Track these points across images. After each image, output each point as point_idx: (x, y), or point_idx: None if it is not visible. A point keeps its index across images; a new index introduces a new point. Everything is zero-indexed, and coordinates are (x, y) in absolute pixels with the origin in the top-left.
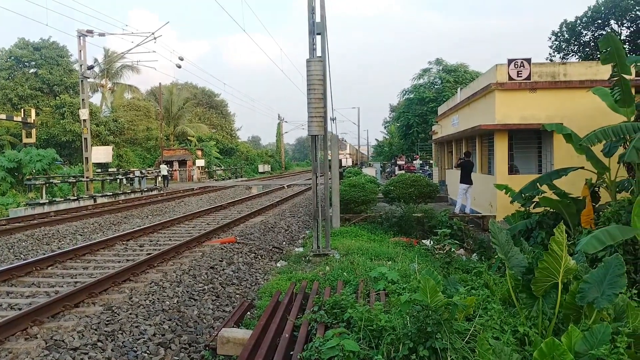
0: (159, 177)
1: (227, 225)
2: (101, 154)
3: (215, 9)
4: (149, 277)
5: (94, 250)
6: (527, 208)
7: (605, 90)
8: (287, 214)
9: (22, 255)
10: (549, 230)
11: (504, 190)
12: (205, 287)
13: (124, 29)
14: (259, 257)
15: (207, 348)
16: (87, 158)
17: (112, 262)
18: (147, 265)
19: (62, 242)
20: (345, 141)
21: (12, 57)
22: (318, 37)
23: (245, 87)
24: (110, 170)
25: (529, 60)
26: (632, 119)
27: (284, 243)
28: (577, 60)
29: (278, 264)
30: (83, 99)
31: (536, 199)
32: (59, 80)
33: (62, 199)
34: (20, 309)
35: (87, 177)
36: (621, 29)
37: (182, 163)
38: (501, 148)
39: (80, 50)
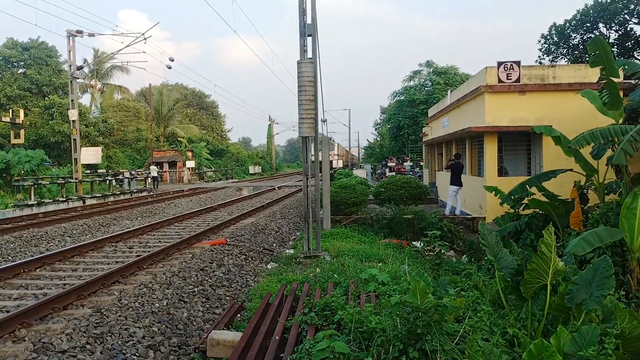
0: (149, 179)
1: (218, 227)
2: (90, 155)
3: (206, 10)
4: (139, 279)
5: (82, 252)
6: (517, 210)
7: (594, 93)
8: (277, 216)
9: (10, 257)
10: (538, 232)
11: (494, 192)
12: (195, 289)
13: (114, 30)
14: (250, 258)
15: (196, 350)
16: (76, 159)
17: (101, 264)
18: (137, 267)
19: (51, 244)
20: (333, 141)
21: (1, 57)
22: (309, 39)
23: (236, 88)
24: (99, 171)
25: (518, 63)
26: (620, 121)
27: (275, 245)
28: (566, 63)
29: (268, 266)
30: (72, 100)
31: (525, 201)
32: (48, 80)
33: (51, 200)
34: (8, 312)
35: (76, 179)
36: (609, 33)
37: (172, 164)
38: (491, 150)
39: (69, 51)
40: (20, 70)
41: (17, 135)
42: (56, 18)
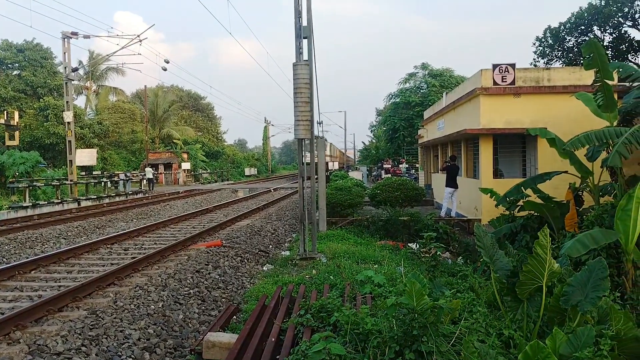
0: (144, 181)
1: (213, 229)
2: (85, 156)
3: (201, 11)
4: (134, 281)
5: (78, 254)
6: (512, 212)
7: (589, 96)
8: (273, 218)
9: (4, 259)
10: (533, 234)
11: (489, 194)
12: (191, 291)
13: (109, 31)
14: (245, 260)
15: (192, 352)
16: (71, 161)
17: (96, 266)
18: (132, 269)
19: (46, 246)
20: (325, 140)
21: None
22: (304, 41)
23: (231, 90)
24: (94, 173)
25: (513, 66)
26: (615, 123)
27: (271, 246)
28: (561, 65)
29: (264, 268)
30: (67, 102)
31: (521, 203)
32: (43, 82)
33: (46, 202)
34: (2, 314)
35: (71, 180)
36: (604, 35)
37: (168, 166)
38: (486, 152)
39: (64, 53)
40: (15, 72)
41: (11, 137)
42: (51, 20)
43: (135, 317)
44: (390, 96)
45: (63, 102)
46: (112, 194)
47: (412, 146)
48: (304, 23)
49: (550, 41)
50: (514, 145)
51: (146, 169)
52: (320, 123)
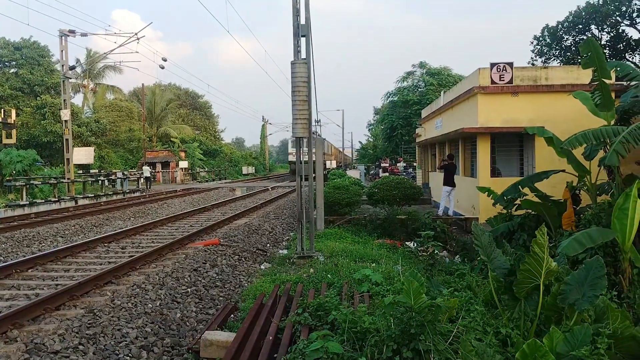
0: (142, 179)
1: (211, 228)
2: (83, 155)
3: (199, 10)
4: (131, 280)
5: (75, 252)
6: (509, 210)
7: (586, 94)
8: (271, 216)
9: (1, 258)
10: (530, 233)
11: (487, 192)
12: (189, 289)
13: (106, 29)
14: (243, 259)
15: (190, 351)
16: (68, 159)
17: (93, 265)
18: (130, 267)
19: (43, 244)
20: (324, 139)
21: None
22: (303, 40)
23: (229, 88)
24: (91, 171)
25: (511, 65)
26: (612, 122)
27: (268, 245)
28: (559, 64)
29: (262, 266)
30: (64, 100)
31: (518, 202)
32: (40, 80)
33: (43, 201)
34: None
35: (68, 179)
36: (601, 34)
37: (165, 164)
38: (484, 151)
39: (62, 50)
40: (12, 70)
41: (8, 135)
42: (48, 18)
43: (132, 315)
44: (388, 95)
45: (60, 100)
46: (110, 193)
47: (409, 145)
48: (302, 21)
49: (548, 40)
50: (512, 144)
51: (143, 167)
52: (318, 122)
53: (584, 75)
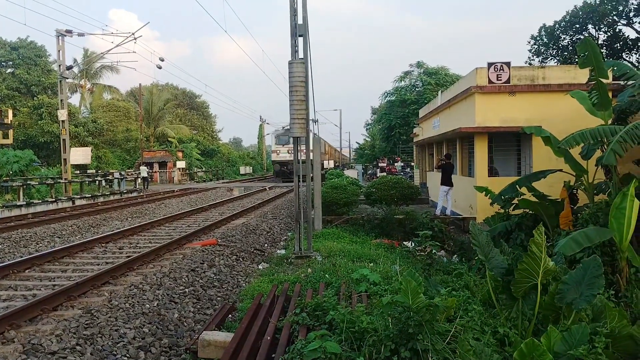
0: (139, 179)
1: (209, 228)
2: (80, 155)
3: (196, 9)
4: (129, 280)
5: (72, 252)
6: (507, 210)
7: (583, 94)
8: (269, 216)
9: None
10: (528, 232)
11: (484, 192)
12: (186, 289)
13: (103, 29)
14: (241, 259)
15: (187, 351)
16: (65, 159)
17: (91, 265)
18: (127, 268)
19: (40, 245)
20: (320, 138)
21: None
22: (300, 39)
23: (227, 88)
24: (89, 171)
25: (508, 64)
26: (610, 122)
27: (266, 245)
28: (556, 64)
29: (260, 266)
30: (62, 100)
31: (515, 201)
32: (37, 80)
33: (40, 201)
34: None
35: (65, 179)
36: (598, 34)
37: (163, 165)
38: (481, 150)
39: (58, 50)
40: (9, 70)
41: (5, 136)
42: (45, 17)
43: (130, 316)
44: (386, 94)
45: (57, 100)
46: (107, 193)
47: (407, 144)
48: (300, 21)
49: (545, 39)
50: (509, 143)
51: (141, 167)
52: (315, 121)
53: (581, 75)
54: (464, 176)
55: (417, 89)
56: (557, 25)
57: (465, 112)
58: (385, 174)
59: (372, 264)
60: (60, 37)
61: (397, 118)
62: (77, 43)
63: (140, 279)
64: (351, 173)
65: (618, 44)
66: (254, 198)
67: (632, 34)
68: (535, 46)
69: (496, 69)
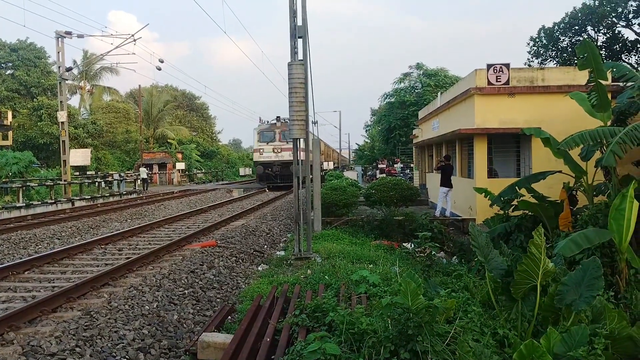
0: (139, 181)
1: (208, 229)
2: (79, 156)
3: (196, 11)
4: (128, 282)
5: (71, 254)
6: (506, 211)
7: (583, 95)
8: (268, 217)
9: None
10: (527, 233)
11: (484, 193)
12: (186, 291)
13: (103, 31)
14: (240, 260)
15: (187, 353)
16: (65, 161)
17: (90, 267)
18: (127, 269)
19: (40, 246)
20: (320, 140)
21: None
22: (299, 41)
23: (226, 89)
24: (88, 173)
25: (507, 66)
26: (609, 123)
27: (266, 246)
28: (555, 65)
29: (259, 268)
30: (61, 101)
31: (515, 203)
32: (37, 82)
33: (40, 202)
34: None
35: (65, 180)
36: (597, 35)
37: (162, 166)
38: (480, 152)
39: (58, 52)
40: (9, 72)
41: (5, 137)
42: (45, 19)
43: (129, 317)
44: (385, 96)
45: (57, 102)
46: (106, 194)
47: (407, 146)
48: (299, 22)
49: (545, 41)
50: (508, 145)
51: (140, 169)
52: (315, 123)
53: (581, 76)
54: (464, 177)
55: (416, 91)
56: (556, 26)
57: (465, 114)
58: (384, 175)
59: (371, 266)
60: (59, 39)
61: (396, 120)
62: (76, 45)
63: (139, 281)
64: (351, 174)
65: (617, 46)
66: (253, 199)
67: (631, 36)
68: (535, 48)
69: (495, 71)
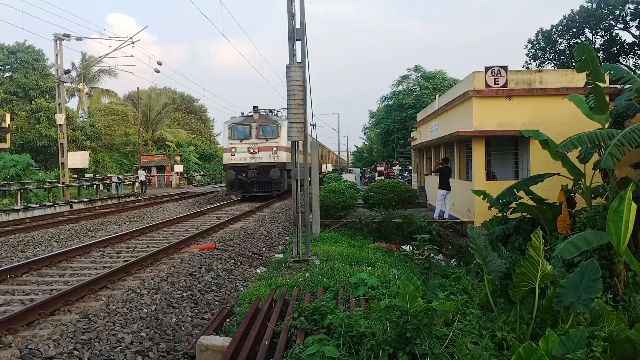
0: (137, 183)
1: (206, 232)
2: (77, 159)
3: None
4: (127, 285)
5: (70, 257)
6: (505, 214)
7: (581, 98)
8: (266, 220)
9: None
10: (526, 236)
11: (482, 196)
12: (184, 294)
13: (101, 33)
14: (239, 263)
15: (185, 356)
16: (63, 163)
17: (88, 269)
18: (125, 272)
19: (38, 249)
20: (312, 138)
21: None
22: (298, 43)
23: (224, 92)
24: (86, 175)
25: (505, 68)
26: (607, 125)
27: (264, 249)
28: (553, 68)
29: (258, 270)
30: (59, 104)
31: (513, 205)
32: (35, 84)
33: (38, 205)
34: None
35: (63, 183)
36: (595, 38)
37: (161, 169)
38: (479, 154)
39: (56, 54)
40: (7, 74)
41: (3, 140)
42: (43, 22)
43: (127, 320)
44: (384, 98)
45: (55, 105)
46: (105, 197)
47: (405, 148)
48: (297, 25)
49: (542, 44)
50: (507, 147)
51: (139, 171)
52: (313, 125)
53: (578, 79)
54: (462, 180)
55: (414, 93)
56: (554, 29)
57: (463, 116)
58: (383, 177)
59: (370, 268)
60: (58, 41)
61: (394, 122)
62: (75, 47)
63: (138, 284)
64: (349, 177)
65: (615, 48)
66: (252, 202)
67: (629, 38)
68: (533, 50)
69: (493, 73)
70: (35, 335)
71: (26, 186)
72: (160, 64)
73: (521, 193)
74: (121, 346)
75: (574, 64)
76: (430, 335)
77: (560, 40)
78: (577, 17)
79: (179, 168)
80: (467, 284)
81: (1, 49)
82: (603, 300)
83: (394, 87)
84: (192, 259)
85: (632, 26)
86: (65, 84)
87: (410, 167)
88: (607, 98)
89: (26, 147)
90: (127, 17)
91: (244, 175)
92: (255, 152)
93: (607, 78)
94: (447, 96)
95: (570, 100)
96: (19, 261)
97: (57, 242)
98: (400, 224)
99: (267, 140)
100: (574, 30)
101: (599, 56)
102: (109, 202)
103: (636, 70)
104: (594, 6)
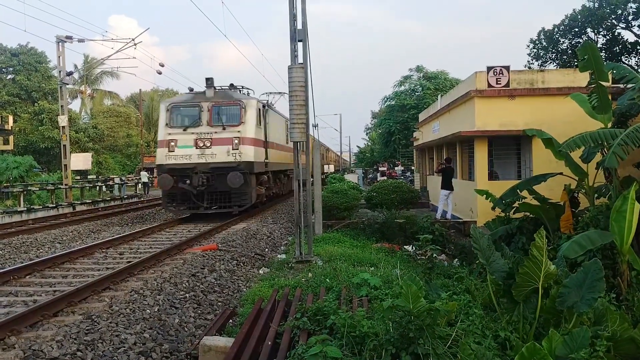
0: (140, 184)
1: (209, 232)
2: (80, 161)
3: (196, 14)
4: (130, 286)
5: (73, 258)
6: (508, 214)
7: (583, 97)
8: (269, 220)
9: None
10: (529, 236)
11: (485, 195)
12: (187, 295)
13: (103, 35)
14: (241, 264)
15: (188, 356)
16: (66, 165)
17: (91, 271)
18: (128, 273)
19: (41, 251)
20: (314, 138)
21: None
22: (299, 44)
23: None
24: (89, 177)
25: (507, 68)
26: (610, 125)
27: (267, 250)
28: (555, 67)
29: (260, 271)
30: (62, 106)
31: (516, 205)
32: (38, 86)
33: (41, 207)
34: None
35: (66, 185)
36: (597, 37)
37: None
38: (481, 154)
39: (59, 57)
40: (9, 76)
41: (6, 142)
42: (45, 24)
43: (131, 321)
44: (386, 99)
45: (58, 106)
46: (107, 198)
47: (407, 149)
48: (299, 26)
49: (544, 43)
50: (509, 147)
51: (141, 172)
52: (315, 126)
53: (581, 78)
54: (464, 180)
55: (416, 94)
56: (556, 29)
57: (465, 116)
58: (385, 178)
59: (372, 268)
60: (60, 43)
61: (396, 123)
62: (77, 49)
63: (140, 284)
64: (351, 177)
65: (617, 47)
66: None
67: (631, 37)
68: (535, 50)
69: (495, 73)
70: (38, 336)
71: (29, 188)
72: (162, 65)
73: (524, 193)
74: (124, 347)
75: (576, 63)
76: (433, 335)
77: (562, 40)
78: (579, 17)
79: None
80: (470, 284)
81: (4, 51)
82: (606, 299)
83: (395, 87)
84: (194, 259)
85: (635, 25)
86: (67, 86)
87: (412, 168)
88: (609, 97)
89: (29, 148)
90: (129, 19)
91: (187, 182)
92: (207, 147)
93: (610, 77)
94: (449, 96)
95: (572, 99)
96: (22, 263)
97: (60, 243)
98: (402, 225)
99: (224, 129)
100: (576, 29)
101: (601, 55)
102: (112, 203)
103: (639, 70)
104: (596, 5)
